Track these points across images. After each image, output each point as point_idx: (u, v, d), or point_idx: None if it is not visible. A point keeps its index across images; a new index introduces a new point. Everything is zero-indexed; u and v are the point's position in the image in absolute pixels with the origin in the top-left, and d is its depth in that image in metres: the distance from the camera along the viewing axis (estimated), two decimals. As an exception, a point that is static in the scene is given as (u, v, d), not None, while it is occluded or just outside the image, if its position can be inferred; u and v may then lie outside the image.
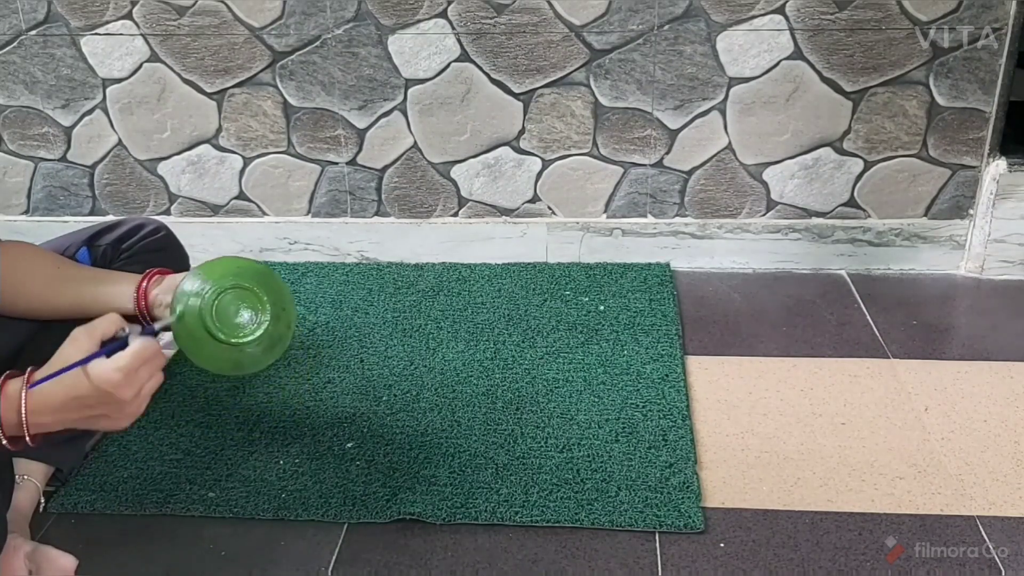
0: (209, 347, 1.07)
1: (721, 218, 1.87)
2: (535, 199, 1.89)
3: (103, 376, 0.90)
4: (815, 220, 1.86)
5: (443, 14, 1.74)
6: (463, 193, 1.90)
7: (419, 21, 1.75)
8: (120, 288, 1.13)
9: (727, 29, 1.71)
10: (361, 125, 1.85)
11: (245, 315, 1.08)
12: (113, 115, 1.88)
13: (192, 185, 1.94)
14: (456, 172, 1.88)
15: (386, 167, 1.89)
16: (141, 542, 1.20)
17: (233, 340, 1.06)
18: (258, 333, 1.08)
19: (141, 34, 1.80)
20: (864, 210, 1.84)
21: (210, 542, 1.20)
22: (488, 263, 1.93)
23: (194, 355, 1.08)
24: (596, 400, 1.45)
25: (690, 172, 1.84)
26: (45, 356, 1.24)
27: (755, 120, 1.78)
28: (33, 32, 1.82)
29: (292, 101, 1.84)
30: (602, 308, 1.73)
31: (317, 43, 1.78)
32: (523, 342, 1.62)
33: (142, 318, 1.14)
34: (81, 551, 1.14)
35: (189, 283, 1.07)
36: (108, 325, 0.94)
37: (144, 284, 1.13)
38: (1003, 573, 1.11)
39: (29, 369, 0.93)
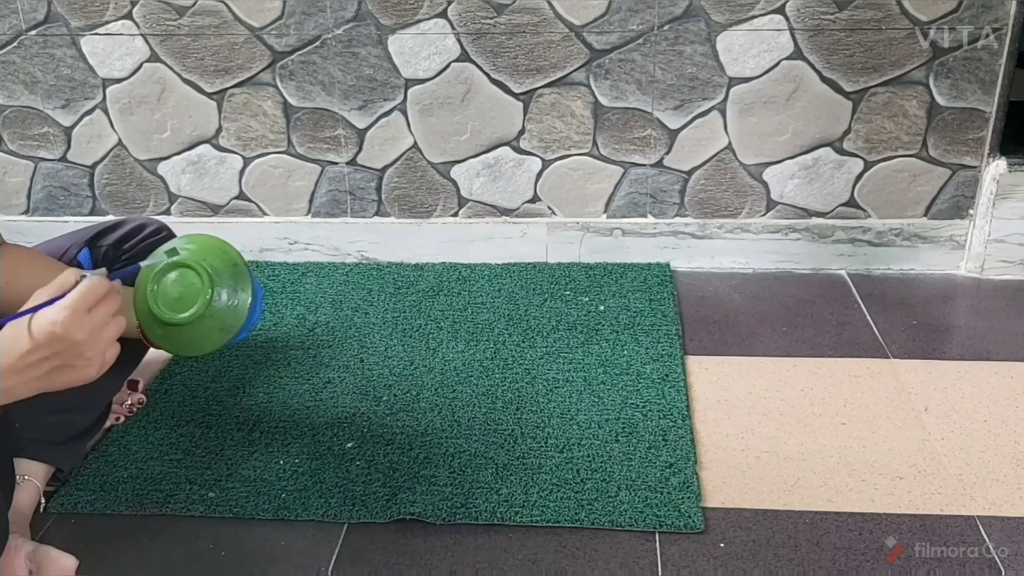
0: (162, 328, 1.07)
1: (721, 218, 1.87)
2: (535, 199, 1.89)
3: (47, 318, 0.81)
4: (815, 220, 1.86)
5: (443, 14, 1.74)
6: (463, 193, 1.90)
7: (419, 21, 1.75)
8: None
9: (727, 29, 1.71)
10: (361, 125, 1.85)
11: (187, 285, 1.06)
12: (113, 115, 1.88)
13: (192, 185, 1.94)
14: (456, 172, 1.88)
15: (386, 167, 1.89)
16: (141, 542, 1.20)
17: (179, 318, 1.05)
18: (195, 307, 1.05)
19: (141, 34, 1.80)
20: (864, 210, 1.84)
21: (210, 542, 1.20)
22: (488, 263, 1.93)
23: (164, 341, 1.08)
24: (596, 400, 1.45)
25: (690, 172, 1.84)
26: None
27: (755, 120, 1.78)
28: (33, 32, 1.82)
29: (292, 101, 1.84)
30: (602, 308, 1.73)
31: (317, 43, 1.78)
32: (523, 342, 1.62)
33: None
34: (81, 551, 1.14)
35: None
36: (67, 276, 0.86)
37: None
38: (1003, 573, 1.11)
39: None
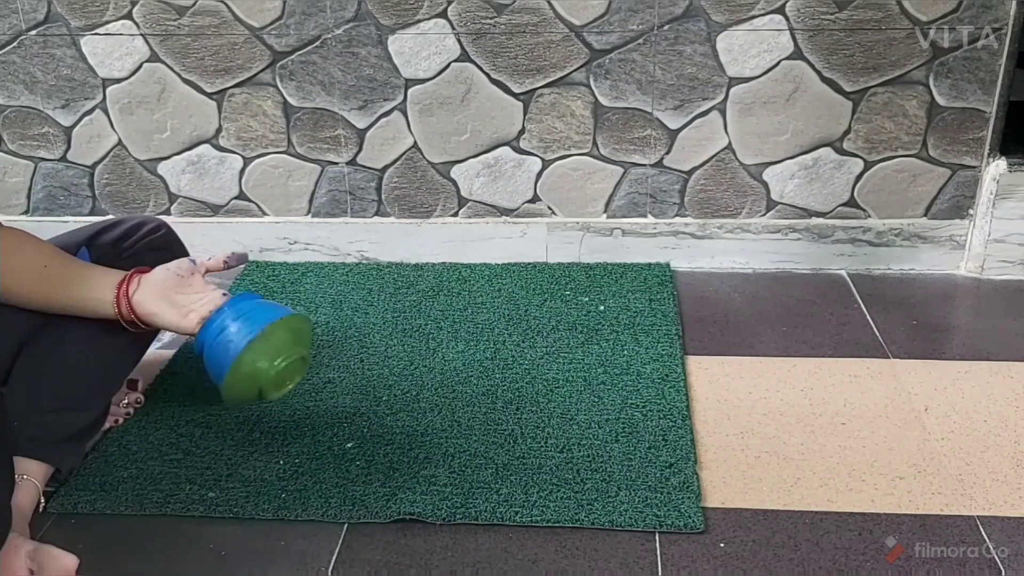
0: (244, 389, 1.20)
1: (721, 218, 1.87)
2: (535, 199, 1.89)
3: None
4: (815, 220, 1.86)
5: (443, 14, 1.74)
6: (463, 193, 1.90)
7: (419, 21, 1.75)
8: (100, 294, 1.19)
9: (727, 29, 1.71)
10: (361, 125, 1.85)
11: (288, 386, 1.23)
12: (113, 115, 1.88)
13: (192, 185, 1.94)
14: (456, 172, 1.88)
15: (386, 167, 1.89)
16: (141, 542, 1.20)
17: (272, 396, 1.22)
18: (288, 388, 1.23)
19: (141, 34, 1.80)
20: (864, 210, 1.84)
21: (210, 542, 1.20)
22: (488, 263, 1.93)
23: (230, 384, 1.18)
24: (596, 400, 1.45)
25: (690, 172, 1.84)
26: (47, 351, 1.24)
27: (755, 120, 1.78)
28: (33, 32, 1.82)
29: (292, 101, 1.84)
30: (602, 308, 1.73)
31: (317, 43, 1.78)
32: (523, 342, 1.63)
33: (124, 323, 1.20)
34: (81, 551, 1.14)
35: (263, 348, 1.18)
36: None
37: (123, 288, 1.18)
38: (1003, 573, 1.11)
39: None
